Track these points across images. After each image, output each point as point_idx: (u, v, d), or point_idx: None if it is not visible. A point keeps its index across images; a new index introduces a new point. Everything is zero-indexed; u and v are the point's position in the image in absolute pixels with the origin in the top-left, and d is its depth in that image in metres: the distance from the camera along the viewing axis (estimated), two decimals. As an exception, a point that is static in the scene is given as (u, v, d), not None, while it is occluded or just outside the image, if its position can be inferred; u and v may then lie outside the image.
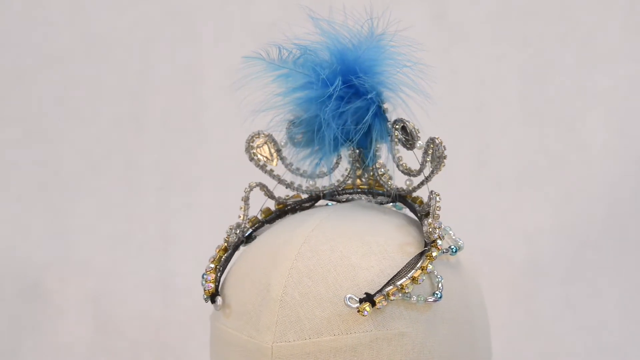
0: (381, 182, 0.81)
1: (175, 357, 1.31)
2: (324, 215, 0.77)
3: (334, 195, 0.82)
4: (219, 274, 0.78)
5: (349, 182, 0.82)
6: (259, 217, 0.82)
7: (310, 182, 0.82)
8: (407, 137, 0.78)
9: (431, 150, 0.77)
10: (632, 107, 1.31)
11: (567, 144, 1.31)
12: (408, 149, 0.78)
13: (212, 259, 0.78)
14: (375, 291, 0.71)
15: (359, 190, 0.82)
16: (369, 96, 0.77)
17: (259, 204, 0.82)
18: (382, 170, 0.81)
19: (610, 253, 1.30)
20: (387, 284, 0.71)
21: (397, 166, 0.80)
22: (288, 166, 0.81)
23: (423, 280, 0.72)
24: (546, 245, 1.30)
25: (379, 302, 0.70)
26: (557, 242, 1.30)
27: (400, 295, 0.71)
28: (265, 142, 0.80)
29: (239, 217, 0.80)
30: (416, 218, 0.80)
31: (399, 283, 0.71)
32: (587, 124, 1.32)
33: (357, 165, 0.81)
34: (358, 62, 0.77)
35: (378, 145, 0.80)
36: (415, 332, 0.72)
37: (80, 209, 1.33)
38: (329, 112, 0.76)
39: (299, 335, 0.71)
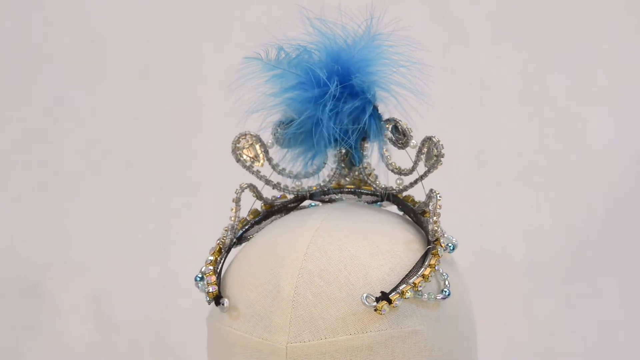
0: (369, 181, 0.81)
1: (175, 357, 1.31)
2: (323, 215, 0.77)
3: (320, 195, 0.83)
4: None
5: (334, 182, 0.82)
6: (248, 218, 0.82)
7: (297, 183, 0.82)
8: (399, 136, 0.78)
9: (426, 149, 0.77)
10: (632, 107, 1.31)
11: (567, 144, 1.32)
12: (400, 148, 0.79)
13: (209, 262, 0.78)
14: (390, 289, 0.71)
15: (345, 190, 0.83)
16: (364, 96, 0.77)
17: (249, 205, 0.82)
18: (369, 169, 0.81)
19: (610, 253, 1.30)
20: (401, 282, 0.72)
21: (387, 165, 0.80)
22: (275, 167, 0.81)
23: (433, 277, 0.73)
24: (546, 245, 1.31)
25: (395, 301, 0.70)
26: (557, 242, 1.31)
27: (413, 293, 0.71)
28: (252, 143, 0.80)
29: (231, 218, 0.80)
30: (407, 216, 0.81)
31: (411, 281, 0.72)
32: (587, 124, 1.32)
33: (343, 164, 0.81)
34: (352, 62, 0.77)
35: (366, 145, 0.80)
36: (427, 330, 0.73)
37: (80, 209, 1.33)
38: (325, 111, 0.76)
39: (314, 335, 0.71)
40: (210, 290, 0.75)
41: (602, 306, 1.30)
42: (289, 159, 0.81)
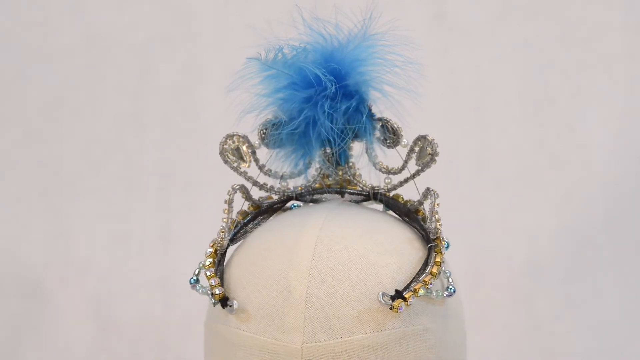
0: (354, 181, 0.82)
1: (175, 357, 1.31)
2: (324, 215, 0.77)
3: (307, 195, 0.83)
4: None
5: (319, 181, 0.82)
6: (236, 218, 0.82)
7: (283, 183, 0.82)
8: (389, 136, 0.78)
9: (418, 148, 0.78)
10: (632, 107, 1.31)
11: (567, 144, 1.31)
12: (389, 147, 0.79)
13: (208, 264, 0.77)
14: (403, 287, 0.72)
15: (330, 189, 0.83)
16: (359, 96, 0.77)
17: (241, 206, 0.82)
18: (354, 169, 0.81)
19: (610, 253, 1.30)
20: (413, 280, 0.73)
21: (374, 165, 0.80)
22: (261, 168, 0.81)
23: (439, 275, 0.74)
24: (546, 245, 1.31)
25: (409, 298, 0.71)
26: (557, 242, 1.31)
27: (425, 291, 0.72)
28: (239, 144, 0.80)
29: (223, 220, 0.79)
30: (396, 215, 0.81)
31: (421, 279, 0.73)
32: (587, 124, 1.32)
33: (329, 164, 0.81)
34: (345, 62, 0.77)
35: (352, 144, 0.80)
36: (436, 327, 0.75)
37: (80, 209, 1.33)
38: (323, 111, 0.76)
39: (329, 335, 0.71)
40: (217, 293, 0.74)
41: (602, 306, 1.30)
42: (275, 160, 0.81)
